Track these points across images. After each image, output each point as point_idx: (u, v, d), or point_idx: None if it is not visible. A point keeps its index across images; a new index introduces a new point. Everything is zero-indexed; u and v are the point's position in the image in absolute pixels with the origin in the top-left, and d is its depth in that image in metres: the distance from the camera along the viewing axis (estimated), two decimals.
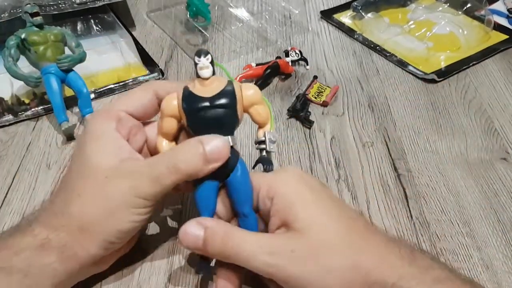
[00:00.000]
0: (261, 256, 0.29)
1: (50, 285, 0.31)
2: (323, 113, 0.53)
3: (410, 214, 0.41)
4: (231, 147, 0.32)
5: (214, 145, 0.31)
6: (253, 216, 0.32)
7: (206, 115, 0.32)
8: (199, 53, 0.32)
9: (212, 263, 0.34)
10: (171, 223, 0.40)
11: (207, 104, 0.31)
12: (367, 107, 0.54)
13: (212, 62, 0.32)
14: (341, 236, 0.30)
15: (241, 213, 0.32)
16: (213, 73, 0.32)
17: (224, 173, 0.32)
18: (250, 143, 0.49)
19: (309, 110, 0.52)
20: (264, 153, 0.34)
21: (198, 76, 0.32)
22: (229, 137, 0.32)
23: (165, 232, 0.40)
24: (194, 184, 0.33)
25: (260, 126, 0.35)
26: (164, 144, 0.34)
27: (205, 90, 0.32)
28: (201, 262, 0.33)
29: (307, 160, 0.47)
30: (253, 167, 0.35)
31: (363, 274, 0.28)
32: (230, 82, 0.33)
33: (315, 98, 0.54)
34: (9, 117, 0.51)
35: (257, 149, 0.34)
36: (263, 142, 0.34)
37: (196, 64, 0.32)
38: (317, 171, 0.45)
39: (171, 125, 0.33)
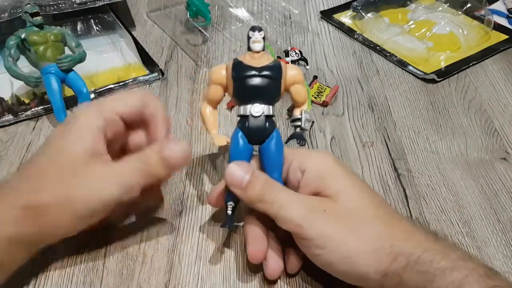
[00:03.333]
0: (296, 207, 0.31)
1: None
2: (323, 113, 0.53)
3: (410, 214, 0.41)
4: (269, 116, 0.35)
5: (173, 153, 0.34)
6: (281, 183, 0.34)
7: (253, 83, 0.34)
8: (253, 28, 0.35)
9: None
10: (171, 223, 0.40)
11: (255, 72, 0.34)
12: (367, 107, 0.54)
13: (264, 38, 0.35)
14: (371, 209, 0.32)
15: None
16: (263, 49, 0.35)
17: (260, 139, 0.35)
18: None
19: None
20: (298, 129, 0.36)
21: (249, 49, 0.35)
22: (270, 107, 0.35)
23: (165, 232, 0.40)
24: (231, 137, 0.35)
25: (298, 105, 0.37)
26: (208, 111, 0.37)
27: (255, 62, 0.35)
28: (228, 216, 0.34)
29: None
30: (286, 142, 0.37)
31: (390, 244, 0.30)
32: (277, 60, 0.36)
33: (315, 98, 0.54)
34: (9, 117, 0.51)
35: (292, 126, 0.37)
36: (299, 119, 0.36)
37: (249, 38, 0.35)
38: None
39: (218, 93, 0.36)
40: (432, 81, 0.57)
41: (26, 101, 0.53)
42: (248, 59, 0.35)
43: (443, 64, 0.60)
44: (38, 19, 0.49)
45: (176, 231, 0.40)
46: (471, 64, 0.60)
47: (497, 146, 0.48)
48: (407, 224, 0.32)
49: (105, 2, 0.62)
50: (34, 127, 0.51)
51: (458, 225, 0.40)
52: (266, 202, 0.32)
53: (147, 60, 0.60)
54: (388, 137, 0.50)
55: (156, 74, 0.58)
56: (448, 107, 0.54)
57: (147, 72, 0.58)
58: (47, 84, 0.49)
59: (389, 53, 0.62)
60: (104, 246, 0.38)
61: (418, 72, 0.58)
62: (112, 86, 0.56)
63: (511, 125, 0.51)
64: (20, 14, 0.51)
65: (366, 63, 0.61)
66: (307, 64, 0.59)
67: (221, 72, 0.36)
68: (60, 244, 0.37)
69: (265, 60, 0.35)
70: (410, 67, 0.59)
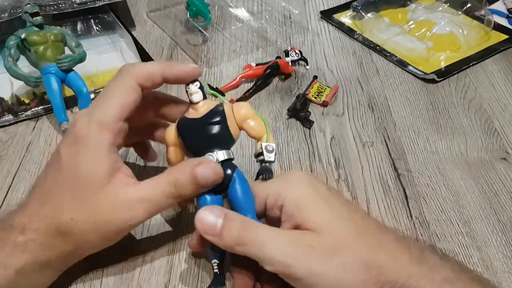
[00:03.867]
0: (281, 243, 0.29)
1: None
2: (323, 113, 0.53)
3: (410, 214, 0.41)
4: (228, 160, 0.34)
5: (205, 171, 0.32)
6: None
7: (198, 134, 0.34)
8: (188, 83, 0.35)
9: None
10: (171, 223, 0.40)
11: (198, 123, 0.34)
12: (367, 107, 0.54)
13: (201, 88, 0.35)
14: (353, 236, 0.30)
15: None
16: (204, 98, 0.35)
17: (222, 186, 0.33)
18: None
19: (309, 110, 0.52)
20: (264, 164, 0.35)
21: (190, 102, 0.35)
22: (223, 151, 0.34)
23: (165, 232, 0.40)
24: (197, 199, 0.34)
25: (257, 140, 0.35)
26: None
27: (197, 113, 0.34)
28: (217, 275, 0.33)
29: (307, 160, 0.47)
30: (256, 179, 0.35)
31: (376, 273, 0.28)
32: (220, 104, 0.35)
33: (315, 98, 0.54)
34: (9, 117, 0.51)
35: (257, 161, 0.35)
36: (261, 153, 0.34)
37: (187, 91, 0.35)
38: (317, 171, 0.45)
39: (176, 153, 0.36)
40: (432, 81, 0.57)
41: (26, 101, 0.53)
42: (191, 113, 0.35)
43: (443, 64, 0.60)
44: (38, 19, 0.49)
45: (177, 231, 0.40)
46: (471, 64, 0.60)
47: (497, 146, 0.48)
48: (391, 243, 0.30)
49: (105, 2, 0.62)
50: (34, 127, 0.51)
51: (458, 225, 0.40)
52: (247, 244, 0.29)
53: (147, 60, 0.60)
54: (388, 137, 0.50)
55: None
56: (448, 107, 0.54)
57: None
58: (47, 84, 0.49)
59: (389, 53, 0.62)
60: None
61: (418, 72, 0.58)
62: None
63: (511, 125, 0.51)
64: (20, 14, 0.51)
65: (366, 63, 0.61)
66: (307, 64, 0.59)
67: (171, 133, 0.35)
68: None
69: (207, 108, 0.34)
70: (410, 67, 0.59)
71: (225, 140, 0.34)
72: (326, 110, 0.53)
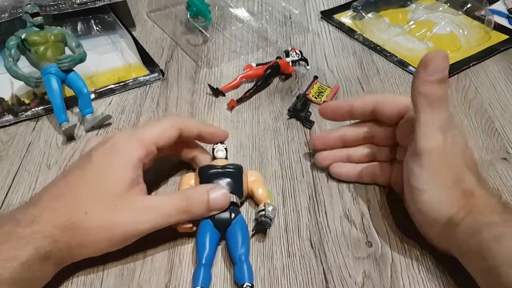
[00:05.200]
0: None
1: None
2: None
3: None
4: (234, 203, 0.38)
5: (217, 195, 0.37)
6: (247, 264, 0.35)
7: (217, 177, 0.39)
8: (216, 143, 0.43)
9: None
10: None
11: (219, 170, 0.40)
12: None
13: (226, 149, 0.42)
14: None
15: (237, 260, 0.36)
16: (226, 158, 0.42)
17: (225, 225, 0.37)
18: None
19: (310, 110, 0.52)
20: (264, 218, 0.38)
21: (214, 158, 0.42)
22: (234, 196, 0.39)
23: (165, 232, 0.39)
24: (198, 230, 0.37)
25: (260, 202, 0.40)
26: None
27: (219, 163, 0.41)
28: None
29: (307, 161, 0.47)
30: (253, 230, 0.39)
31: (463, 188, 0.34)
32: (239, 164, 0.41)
33: (316, 98, 0.54)
34: (9, 117, 0.51)
35: (259, 216, 0.39)
36: (263, 210, 0.39)
37: (213, 148, 0.42)
38: (317, 171, 0.45)
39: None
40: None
41: (26, 101, 0.53)
42: (213, 163, 0.41)
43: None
44: (38, 19, 0.49)
45: (177, 231, 0.39)
46: (471, 64, 0.60)
47: (497, 146, 0.48)
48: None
49: (105, 2, 0.62)
50: (34, 128, 0.51)
51: None
52: None
53: (147, 60, 0.60)
54: None
55: (156, 74, 0.58)
56: (449, 107, 0.53)
57: (148, 72, 0.58)
58: (47, 84, 0.49)
59: (390, 53, 0.62)
60: None
61: None
62: (112, 86, 0.56)
63: None
64: (20, 14, 0.51)
65: (367, 63, 0.61)
66: (308, 64, 0.59)
67: (189, 177, 0.41)
68: None
69: (227, 163, 0.41)
70: (411, 67, 0.59)
71: (237, 188, 0.40)
72: None
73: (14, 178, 0.45)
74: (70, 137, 0.49)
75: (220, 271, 0.37)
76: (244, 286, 0.34)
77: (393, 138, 0.41)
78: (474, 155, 0.37)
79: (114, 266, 0.37)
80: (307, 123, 0.51)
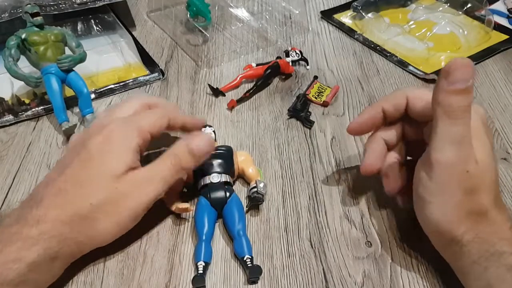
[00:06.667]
0: None
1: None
2: (323, 113, 0.53)
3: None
4: (227, 183, 0.40)
5: (199, 141, 0.38)
6: (245, 238, 0.37)
7: (209, 159, 0.40)
8: (204, 126, 0.45)
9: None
10: (171, 223, 0.40)
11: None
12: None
13: (214, 132, 0.45)
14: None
15: (236, 235, 0.38)
16: (215, 140, 0.44)
17: (221, 204, 0.39)
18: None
19: (310, 110, 0.52)
20: (256, 194, 0.40)
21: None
22: (227, 175, 0.41)
23: (165, 232, 0.40)
24: (195, 209, 0.39)
25: (251, 180, 0.42)
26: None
27: None
28: (198, 277, 0.36)
29: (307, 160, 0.47)
30: (247, 206, 0.41)
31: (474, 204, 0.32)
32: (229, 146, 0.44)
33: (316, 98, 0.54)
34: (9, 117, 0.51)
35: (251, 193, 0.41)
36: (255, 186, 0.41)
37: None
38: (318, 171, 0.45)
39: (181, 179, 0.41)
40: (433, 81, 0.57)
41: (27, 101, 0.53)
42: None
43: (443, 64, 0.59)
44: (39, 19, 0.49)
45: (177, 231, 0.40)
46: None
47: (497, 146, 0.48)
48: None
49: (105, 2, 0.62)
50: (35, 127, 0.51)
51: None
52: None
53: (147, 60, 0.60)
54: None
55: (156, 74, 0.58)
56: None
57: (148, 72, 0.58)
58: (47, 84, 0.49)
59: (390, 53, 0.62)
60: (105, 246, 0.38)
61: (419, 72, 0.58)
62: (112, 86, 0.56)
63: None
64: (21, 14, 0.51)
65: (367, 63, 0.61)
66: (308, 64, 0.59)
67: None
68: None
69: (216, 144, 0.43)
70: (411, 67, 0.59)
71: (229, 168, 0.42)
72: (327, 110, 0.53)
73: (14, 178, 0.45)
74: (70, 137, 0.49)
75: (219, 247, 0.38)
76: (245, 258, 0.36)
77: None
78: (497, 174, 0.34)
79: (114, 266, 0.37)
80: (307, 123, 0.51)
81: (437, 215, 0.33)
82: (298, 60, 0.59)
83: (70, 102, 0.52)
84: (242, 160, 0.43)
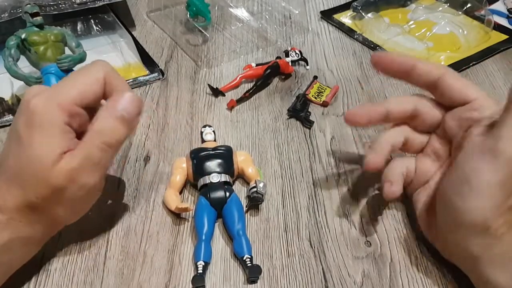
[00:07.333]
0: None
1: None
2: (323, 113, 0.53)
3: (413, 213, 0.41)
4: (227, 183, 0.41)
5: (123, 104, 0.33)
6: (245, 238, 0.38)
7: (209, 158, 0.42)
8: (204, 126, 0.48)
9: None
10: (171, 223, 0.40)
11: (210, 151, 0.42)
12: None
13: (214, 132, 0.47)
14: None
15: (235, 235, 0.38)
16: (214, 140, 0.46)
17: (220, 203, 0.39)
18: None
19: (309, 110, 0.52)
20: (256, 194, 0.40)
21: (203, 141, 0.47)
22: (227, 175, 0.41)
23: (166, 232, 0.40)
24: (195, 209, 0.40)
25: (251, 180, 0.42)
26: (175, 197, 0.41)
27: (209, 146, 0.44)
28: (198, 277, 0.36)
29: (307, 160, 0.47)
30: (247, 206, 0.41)
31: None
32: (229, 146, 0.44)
33: (315, 98, 0.54)
34: (9, 117, 0.51)
35: (251, 193, 0.41)
36: (255, 186, 0.40)
37: (202, 132, 0.47)
38: (317, 171, 0.45)
39: (181, 179, 0.42)
40: None
41: None
42: (203, 145, 0.45)
43: (443, 64, 0.60)
44: (38, 19, 0.49)
45: (177, 231, 0.40)
46: (471, 64, 0.60)
47: None
48: None
49: (105, 2, 0.62)
50: None
51: None
52: None
53: (147, 60, 0.60)
54: None
55: (156, 74, 0.58)
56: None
57: (147, 72, 0.58)
58: (47, 84, 0.48)
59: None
60: (104, 246, 0.38)
61: None
62: None
63: None
64: (20, 14, 0.51)
65: (366, 63, 0.61)
66: (307, 64, 0.59)
67: (182, 163, 0.43)
68: (61, 243, 0.37)
69: (216, 144, 0.44)
70: None
71: (229, 168, 0.42)
72: (326, 110, 0.53)
73: None
74: None
75: (219, 246, 0.38)
76: (244, 258, 0.36)
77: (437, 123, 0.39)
78: None
79: (114, 266, 0.37)
80: (307, 123, 0.51)
81: (485, 205, 0.31)
82: (297, 60, 0.59)
83: None
84: (242, 160, 0.43)
